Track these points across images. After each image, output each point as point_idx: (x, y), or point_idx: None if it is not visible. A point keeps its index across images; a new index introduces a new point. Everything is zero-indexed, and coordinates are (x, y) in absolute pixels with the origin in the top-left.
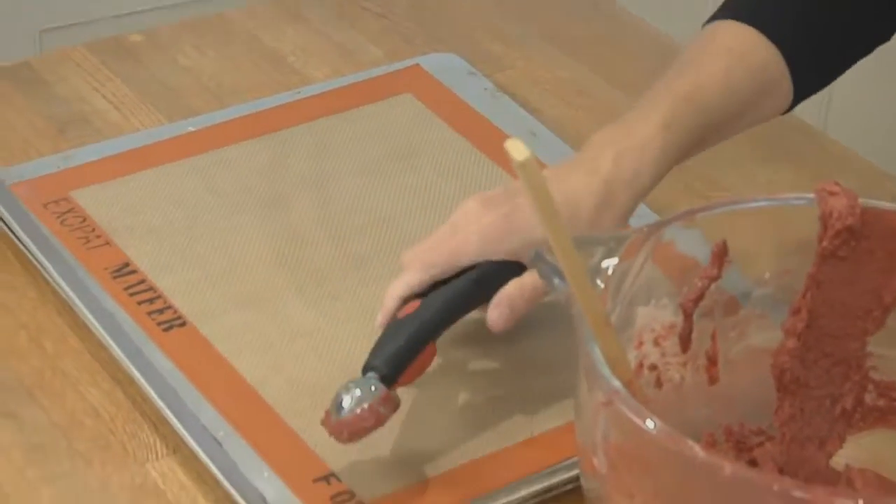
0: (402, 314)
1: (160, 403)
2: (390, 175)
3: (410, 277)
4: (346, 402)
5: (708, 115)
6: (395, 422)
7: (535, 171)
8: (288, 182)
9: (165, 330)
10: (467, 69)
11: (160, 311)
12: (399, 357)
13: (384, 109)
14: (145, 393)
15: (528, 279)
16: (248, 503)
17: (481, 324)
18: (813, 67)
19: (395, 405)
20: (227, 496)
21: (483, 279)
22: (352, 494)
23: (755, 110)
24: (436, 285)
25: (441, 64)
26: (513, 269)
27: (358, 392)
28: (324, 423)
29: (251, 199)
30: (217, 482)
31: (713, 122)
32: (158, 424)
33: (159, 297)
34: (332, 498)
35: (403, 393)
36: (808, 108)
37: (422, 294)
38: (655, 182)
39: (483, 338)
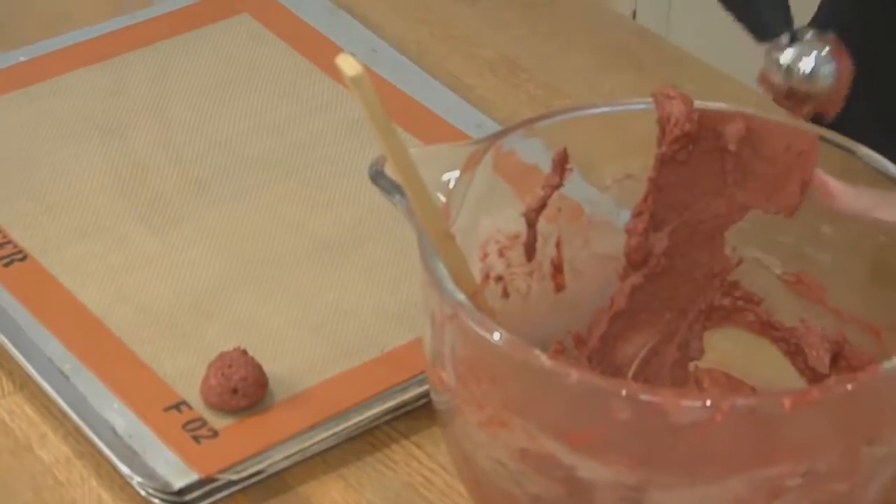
0: None
1: (4, 339)
2: (230, 97)
3: None
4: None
5: None
6: (244, 344)
7: (367, 85)
8: (127, 108)
9: (6, 265)
10: None
11: None
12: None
13: (221, 30)
14: None
15: None
16: (98, 435)
17: (326, 241)
18: None
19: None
20: (77, 430)
21: None
22: (203, 421)
23: None
24: None
25: None
26: None
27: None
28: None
29: (89, 127)
30: (66, 416)
31: None
32: (3, 361)
33: None
34: (183, 426)
35: (253, 317)
36: (650, 14)
37: None
38: None
39: (328, 255)
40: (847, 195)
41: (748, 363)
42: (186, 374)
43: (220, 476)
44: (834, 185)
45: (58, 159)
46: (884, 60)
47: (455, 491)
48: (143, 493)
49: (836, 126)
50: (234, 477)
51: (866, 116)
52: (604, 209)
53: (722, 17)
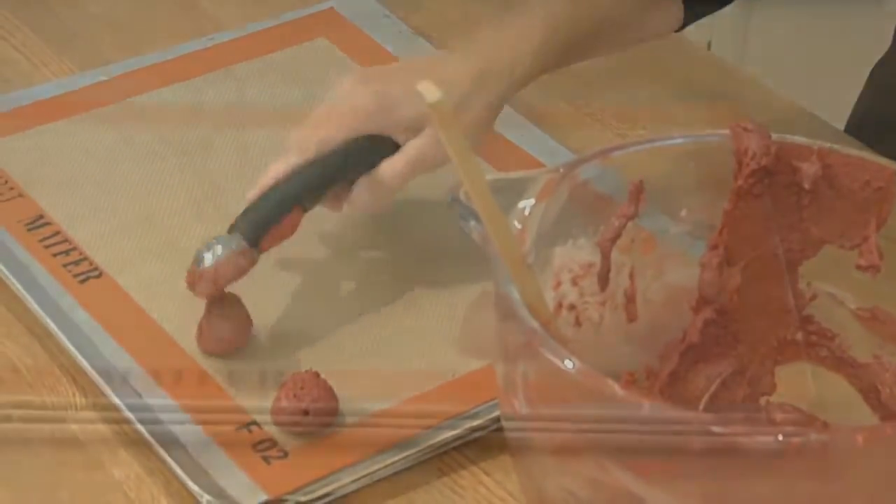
0: None
1: (77, 355)
2: None
3: (288, 160)
4: (208, 258)
5: (593, 19)
6: (316, 367)
7: (447, 112)
8: (204, 130)
9: (82, 281)
10: (382, 12)
11: (76, 263)
12: (262, 219)
13: (300, 54)
14: (63, 345)
15: (393, 165)
16: (169, 453)
17: (400, 266)
18: None
19: (253, 259)
20: (149, 447)
21: (352, 151)
22: (273, 442)
23: (642, 24)
24: None
25: (355, 7)
26: (385, 143)
27: (220, 248)
28: (187, 279)
29: (167, 147)
30: (137, 433)
31: (598, 28)
32: (76, 376)
33: (75, 248)
34: (254, 446)
35: (328, 338)
36: (725, 45)
37: None
38: (533, 75)
39: (405, 281)
40: None
41: (820, 399)
42: (258, 395)
43: (288, 497)
44: None
45: (135, 178)
46: None
47: None
48: None
49: None
50: (303, 499)
51: None
52: (678, 241)
53: (797, 49)
